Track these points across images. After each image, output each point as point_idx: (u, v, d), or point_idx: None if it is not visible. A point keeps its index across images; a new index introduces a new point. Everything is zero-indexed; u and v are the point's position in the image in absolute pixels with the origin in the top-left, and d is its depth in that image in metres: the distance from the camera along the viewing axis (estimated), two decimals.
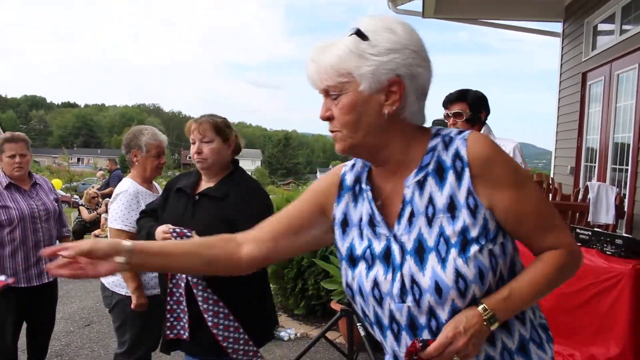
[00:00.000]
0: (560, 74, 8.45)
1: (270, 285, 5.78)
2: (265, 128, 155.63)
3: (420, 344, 1.28)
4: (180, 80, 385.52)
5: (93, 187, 10.57)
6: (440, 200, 1.31)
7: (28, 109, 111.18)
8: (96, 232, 9.45)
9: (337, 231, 1.47)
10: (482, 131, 3.18)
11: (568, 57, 8.15)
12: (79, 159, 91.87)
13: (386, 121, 1.32)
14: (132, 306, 2.98)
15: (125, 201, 3.01)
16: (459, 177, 1.30)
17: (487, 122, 3.26)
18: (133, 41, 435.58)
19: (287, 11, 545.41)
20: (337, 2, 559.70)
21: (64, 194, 25.56)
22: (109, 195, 10.28)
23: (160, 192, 3.29)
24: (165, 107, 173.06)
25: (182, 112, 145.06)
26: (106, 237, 9.47)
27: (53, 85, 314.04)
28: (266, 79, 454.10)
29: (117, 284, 3.07)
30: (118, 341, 3.18)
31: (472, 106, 3.14)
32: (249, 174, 3.05)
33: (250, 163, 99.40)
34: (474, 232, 1.28)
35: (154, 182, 3.35)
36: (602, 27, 7.25)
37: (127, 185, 3.09)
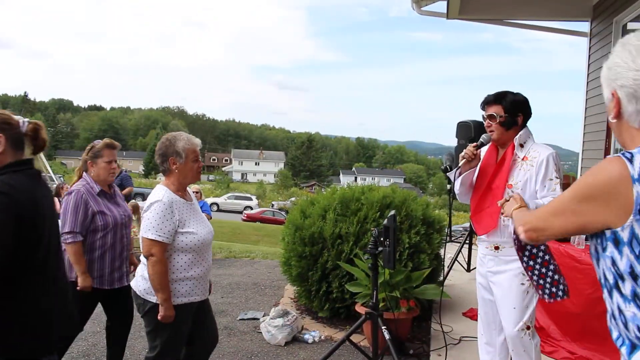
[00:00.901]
0: (588, 74, 8.31)
1: (295, 287, 5.82)
2: (289, 130, 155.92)
3: None
4: (205, 83, 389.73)
5: None
6: None
7: (56, 112, 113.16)
8: None
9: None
10: (518, 135, 3.15)
11: (596, 57, 8.01)
12: None
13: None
14: (159, 317, 2.99)
15: (160, 211, 2.98)
16: None
17: (527, 125, 3.21)
18: (158, 44, 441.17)
19: (310, 13, 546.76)
20: (360, 3, 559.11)
21: None
22: (128, 196, 10.37)
23: (194, 200, 3.32)
24: (189, 110, 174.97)
25: (206, 114, 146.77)
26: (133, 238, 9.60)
27: (80, 88, 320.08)
28: (290, 81, 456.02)
29: (149, 291, 3.08)
30: (149, 345, 3.20)
31: (507, 109, 3.12)
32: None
33: (273, 165, 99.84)
34: None
35: (188, 189, 3.32)
36: (631, 26, 7.11)
37: (162, 194, 3.05)
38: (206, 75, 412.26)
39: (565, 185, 6.28)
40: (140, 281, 3.12)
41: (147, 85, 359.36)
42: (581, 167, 8.53)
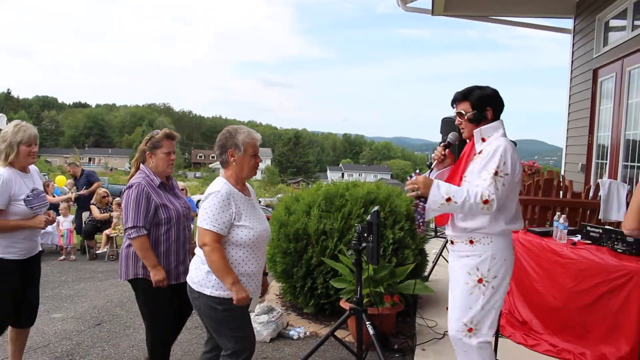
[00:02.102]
0: (571, 71, 8.39)
1: (280, 284, 5.81)
2: (276, 127, 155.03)
3: None
4: (191, 80, 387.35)
5: (101, 189, 10.51)
6: None
7: (40, 110, 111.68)
8: (107, 231, 9.51)
9: None
10: (479, 129, 3.06)
11: (579, 53, 8.09)
12: (90, 159, 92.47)
13: None
14: (235, 301, 2.90)
15: (218, 202, 2.94)
16: None
17: (500, 119, 3.13)
18: (143, 41, 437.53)
19: (297, 9, 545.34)
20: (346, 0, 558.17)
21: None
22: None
23: (254, 195, 3.26)
24: (175, 107, 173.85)
25: (192, 111, 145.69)
26: (116, 236, 9.55)
27: (64, 85, 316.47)
28: (276, 77, 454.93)
29: (203, 283, 2.99)
30: (223, 346, 3.06)
31: (475, 105, 3.07)
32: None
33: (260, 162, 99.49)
34: None
35: (247, 184, 3.27)
36: (613, 23, 7.18)
37: (220, 185, 3.02)
38: (193, 72, 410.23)
39: (547, 182, 6.28)
40: (194, 272, 3.06)
41: (132, 82, 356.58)
42: (565, 163, 8.62)
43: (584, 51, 7.84)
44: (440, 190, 2.89)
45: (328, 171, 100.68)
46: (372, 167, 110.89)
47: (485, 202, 2.80)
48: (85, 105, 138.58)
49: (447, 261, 6.44)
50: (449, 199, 2.86)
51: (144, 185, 3.48)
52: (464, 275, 3.02)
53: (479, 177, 2.90)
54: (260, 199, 50.42)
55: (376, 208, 3.74)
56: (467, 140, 3.24)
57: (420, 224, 3.20)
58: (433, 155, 3.30)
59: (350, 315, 4.11)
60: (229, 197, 2.98)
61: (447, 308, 5.29)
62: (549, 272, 4.26)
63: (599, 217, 5.61)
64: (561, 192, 6.07)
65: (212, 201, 2.95)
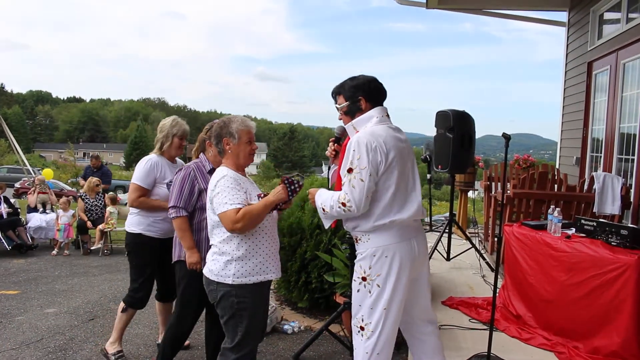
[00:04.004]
0: (566, 64, 8.38)
1: None
2: (271, 121, 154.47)
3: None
4: (186, 74, 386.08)
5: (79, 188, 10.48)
6: None
7: (34, 104, 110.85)
8: (101, 226, 9.47)
9: None
10: (351, 122, 2.96)
11: (573, 46, 8.07)
12: (84, 154, 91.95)
13: None
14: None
15: (229, 184, 2.97)
16: None
17: (382, 107, 2.96)
18: (138, 35, 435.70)
19: (291, 3, 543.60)
20: None
21: (70, 188, 25.67)
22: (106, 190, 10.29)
23: (252, 181, 3.29)
24: (170, 101, 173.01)
25: (187, 106, 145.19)
26: (110, 231, 9.51)
27: (58, 80, 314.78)
28: (271, 72, 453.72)
29: (221, 272, 2.98)
30: (228, 336, 3.06)
31: (347, 96, 2.97)
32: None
33: (255, 156, 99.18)
34: None
35: (246, 173, 3.31)
36: (608, 15, 7.17)
37: (225, 171, 3.06)
38: (187, 66, 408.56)
39: (542, 175, 6.28)
40: (211, 264, 3.05)
41: (127, 77, 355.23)
42: (559, 156, 8.62)
43: (578, 44, 7.83)
44: (318, 201, 2.91)
45: (324, 166, 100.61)
46: None
47: (343, 204, 2.72)
48: (79, 100, 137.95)
49: (442, 255, 6.49)
50: (323, 209, 2.87)
51: (192, 169, 3.62)
52: (355, 272, 2.92)
53: (344, 178, 2.81)
54: None
55: None
56: (336, 140, 3.24)
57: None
58: (326, 152, 3.27)
59: (344, 309, 4.11)
60: (237, 179, 3.04)
61: (442, 302, 5.32)
62: (542, 265, 4.25)
63: (594, 210, 5.61)
64: (556, 186, 6.06)
65: (225, 184, 2.97)
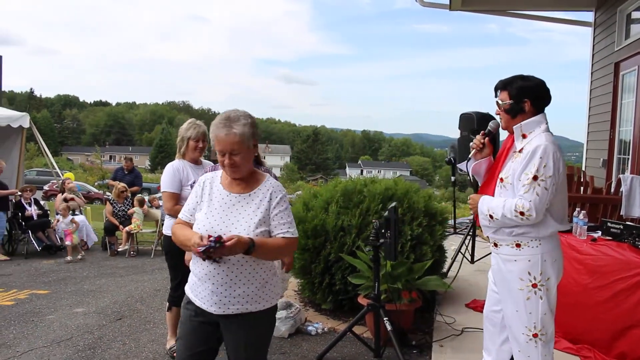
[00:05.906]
0: (592, 65, 8.27)
1: (298, 280, 5.84)
2: (294, 124, 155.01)
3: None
4: (210, 77, 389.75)
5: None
6: None
7: (61, 108, 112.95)
8: (127, 228, 9.61)
9: None
10: (519, 125, 2.91)
11: (600, 46, 7.96)
12: (111, 157, 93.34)
13: None
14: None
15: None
16: None
17: (544, 113, 2.94)
18: (162, 39, 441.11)
19: (314, 5, 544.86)
20: None
21: (97, 190, 26.10)
22: (135, 193, 10.48)
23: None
24: (194, 104, 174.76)
25: (211, 109, 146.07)
26: (137, 233, 9.65)
27: (85, 84, 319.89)
28: (295, 74, 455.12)
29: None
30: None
31: (513, 95, 2.91)
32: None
33: (279, 159, 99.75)
34: None
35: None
36: (635, 15, 7.06)
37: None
38: (211, 69, 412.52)
39: (567, 177, 6.24)
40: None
41: (152, 80, 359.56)
42: (586, 158, 8.51)
43: (604, 44, 7.73)
44: (483, 208, 2.90)
45: (347, 168, 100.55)
46: (391, 163, 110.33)
47: (522, 213, 2.72)
48: (105, 104, 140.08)
49: (466, 258, 6.45)
50: (491, 216, 2.85)
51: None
52: (516, 281, 2.88)
53: (519, 182, 2.79)
54: None
55: (393, 204, 3.74)
56: (488, 134, 3.15)
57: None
58: (471, 144, 3.16)
59: (368, 311, 4.12)
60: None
61: (466, 305, 5.30)
62: (566, 268, 4.21)
63: (621, 213, 5.54)
64: (582, 188, 5.99)
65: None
